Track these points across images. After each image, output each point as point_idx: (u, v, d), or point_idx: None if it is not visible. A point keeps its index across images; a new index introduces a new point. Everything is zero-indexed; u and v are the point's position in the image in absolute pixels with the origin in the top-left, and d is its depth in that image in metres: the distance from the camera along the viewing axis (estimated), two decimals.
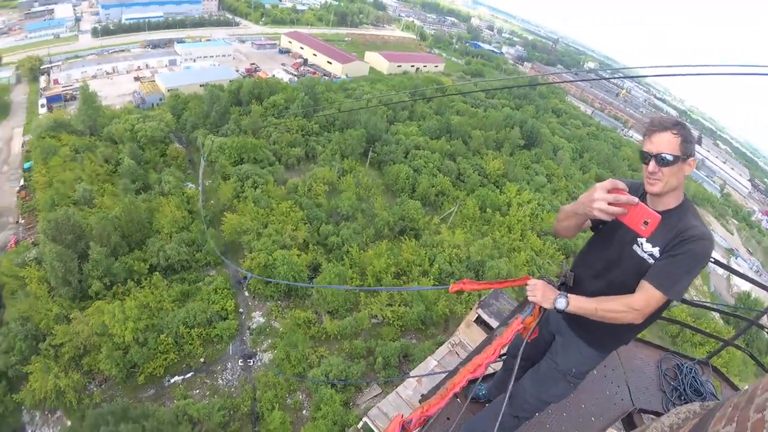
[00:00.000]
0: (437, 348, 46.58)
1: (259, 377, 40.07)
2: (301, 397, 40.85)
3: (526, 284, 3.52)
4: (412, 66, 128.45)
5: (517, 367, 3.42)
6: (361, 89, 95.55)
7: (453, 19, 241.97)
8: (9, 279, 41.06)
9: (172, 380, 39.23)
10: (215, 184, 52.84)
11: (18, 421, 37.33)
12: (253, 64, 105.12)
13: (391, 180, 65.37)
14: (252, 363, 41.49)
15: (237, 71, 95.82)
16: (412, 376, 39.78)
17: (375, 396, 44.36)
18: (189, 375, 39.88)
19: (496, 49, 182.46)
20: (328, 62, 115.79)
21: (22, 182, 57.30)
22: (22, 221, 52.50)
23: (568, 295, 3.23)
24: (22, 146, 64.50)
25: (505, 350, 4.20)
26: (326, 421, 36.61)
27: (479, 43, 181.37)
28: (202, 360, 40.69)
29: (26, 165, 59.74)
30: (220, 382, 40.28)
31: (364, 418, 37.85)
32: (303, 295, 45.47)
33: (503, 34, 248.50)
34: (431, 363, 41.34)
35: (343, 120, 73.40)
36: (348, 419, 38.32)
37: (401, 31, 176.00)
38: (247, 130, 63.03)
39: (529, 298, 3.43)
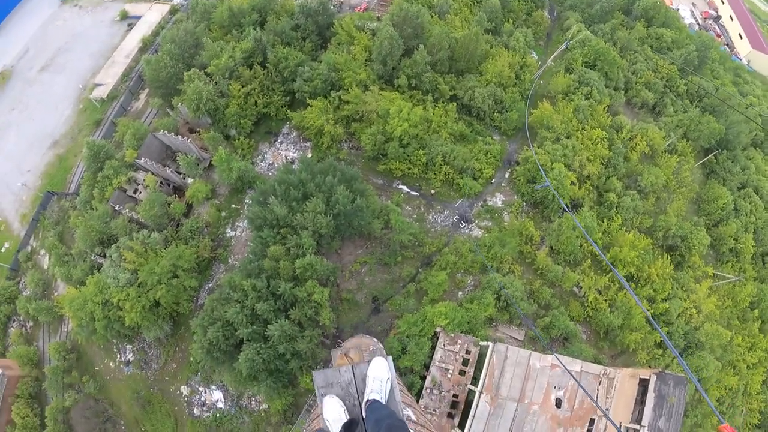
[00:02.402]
0: (593, 362, 41.74)
1: (457, 239, 41.21)
2: (469, 281, 41.68)
3: None
4: None
5: None
6: (750, 88, 72.62)
7: None
8: (344, 33, 45.90)
9: (400, 186, 42.99)
10: (556, 70, 49.21)
11: (278, 129, 45.06)
12: None
13: (707, 196, 51.80)
14: (462, 226, 42.78)
15: None
16: (558, 358, 36.93)
17: (515, 338, 42.91)
18: (414, 192, 43.04)
19: None
20: (739, 35, 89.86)
21: None
22: None
23: None
24: None
25: None
26: (461, 312, 36.64)
27: None
28: (432, 191, 43.43)
29: None
30: (429, 216, 42.98)
31: (490, 343, 37.86)
32: (546, 217, 42.76)
33: None
34: (576, 365, 36.85)
35: (708, 103, 58.15)
36: (478, 330, 38.12)
37: None
38: (616, 42, 54.83)
39: None
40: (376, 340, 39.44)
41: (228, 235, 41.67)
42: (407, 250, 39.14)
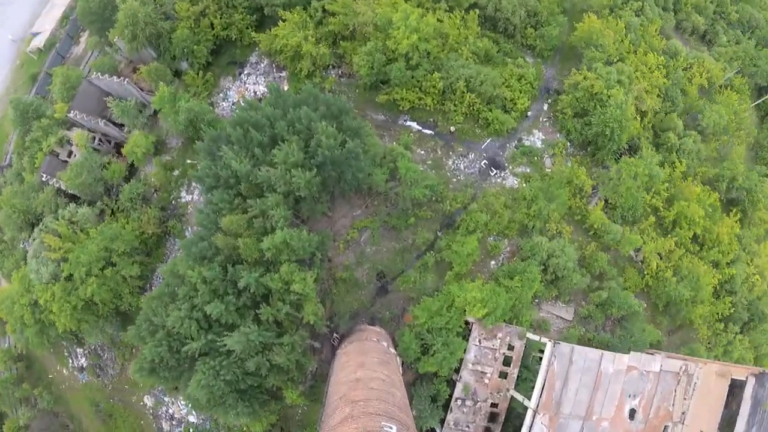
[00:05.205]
0: (657, 345, 30.38)
1: (487, 192, 28.72)
2: (504, 247, 29.28)
3: None
4: None
5: None
6: None
7: None
8: None
9: (409, 122, 30.14)
10: None
11: (244, 58, 32.28)
12: None
13: (767, 142, 39.84)
14: (493, 173, 29.82)
15: None
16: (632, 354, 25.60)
17: (563, 318, 31.07)
18: (427, 131, 30.07)
19: None
20: None
21: None
22: None
23: None
24: None
25: None
26: (502, 296, 24.98)
27: None
28: (451, 129, 29.60)
29: None
30: (449, 162, 29.83)
31: (547, 341, 26.02)
32: (598, 161, 30.34)
33: None
34: (655, 363, 25.36)
35: (762, 35, 46.53)
36: (522, 314, 26.15)
37: None
38: None
39: None
40: (380, 328, 27.82)
41: (183, 200, 29.33)
42: (422, 209, 26.96)
